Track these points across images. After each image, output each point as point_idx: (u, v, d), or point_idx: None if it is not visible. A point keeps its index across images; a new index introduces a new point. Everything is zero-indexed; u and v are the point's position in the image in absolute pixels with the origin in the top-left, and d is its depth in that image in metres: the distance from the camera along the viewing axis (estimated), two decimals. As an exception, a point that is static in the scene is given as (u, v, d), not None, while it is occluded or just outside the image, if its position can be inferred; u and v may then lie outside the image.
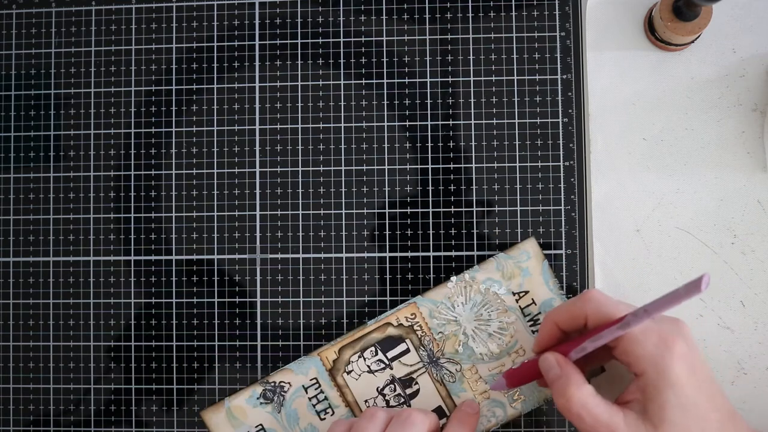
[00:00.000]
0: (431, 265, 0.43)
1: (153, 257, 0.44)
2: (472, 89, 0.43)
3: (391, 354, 0.42)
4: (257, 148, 0.44)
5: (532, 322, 0.41)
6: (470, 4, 0.43)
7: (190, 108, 0.44)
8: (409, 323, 0.42)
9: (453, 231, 0.43)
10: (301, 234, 0.43)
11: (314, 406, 0.41)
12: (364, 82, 0.44)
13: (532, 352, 0.41)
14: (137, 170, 0.44)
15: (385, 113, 0.43)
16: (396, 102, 0.43)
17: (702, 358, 0.34)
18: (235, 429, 0.41)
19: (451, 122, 0.43)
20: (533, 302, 0.41)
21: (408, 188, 0.43)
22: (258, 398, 0.42)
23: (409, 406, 0.41)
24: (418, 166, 0.43)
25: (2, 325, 0.44)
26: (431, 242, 0.43)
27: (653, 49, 0.42)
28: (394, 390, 0.41)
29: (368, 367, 0.42)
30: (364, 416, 0.37)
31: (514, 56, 0.43)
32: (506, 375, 0.39)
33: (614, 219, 0.42)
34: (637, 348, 0.34)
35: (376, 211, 0.43)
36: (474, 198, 0.43)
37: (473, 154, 0.43)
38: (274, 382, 0.42)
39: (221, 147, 0.44)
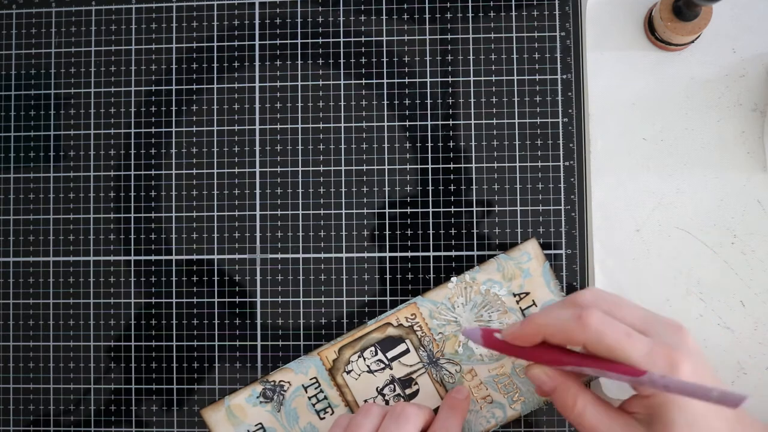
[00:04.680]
0: (431, 265, 0.43)
1: (153, 257, 0.44)
2: (472, 89, 0.43)
3: (390, 354, 0.42)
4: (257, 148, 0.44)
5: (532, 322, 0.41)
6: (470, 4, 0.43)
7: (190, 108, 0.44)
8: (409, 323, 0.42)
9: (453, 231, 0.43)
10: (301, 234, 0.43)
11: (314, 405, 0.41)
12: (364, 82, 0.44)
13: (506, 335, 0.37)
14: (137, 170, 0.44)
15: (385, 113, 0.43)
16: (396, 102, 0.43)
17: (705, 364, 0.34)
18: (234, 428, 0.41)
19: (451, 122, 0.43)
20: (534, 304, 0.41)
21: (408, 188, 0.43)
22: (258, 397, 0.42)
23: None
24: (418, 166, 0.43)
25: (2, 325, 0.44)
26: (431, 242, 0.43)
27: (653, 49, 0.42)
28: (394, 390, 0.41)
29: (368, 367, 0.42)
30: (360, 412, 0.38)
31: (514, 56, 0.43)
32: (484, 335, 0.37)
33: (614, 219, 0.42)
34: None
35: (376, 211, 0.43)
36: (474, 198, 0.43)
37: (473, 154, 0.43)
38: (274, 381, 0.42)
39: (221, 147, 0.44)
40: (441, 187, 0.43)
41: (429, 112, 0.43)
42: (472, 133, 0.43)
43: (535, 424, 0.42)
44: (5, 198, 0.45)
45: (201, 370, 0.43)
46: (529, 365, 0.36)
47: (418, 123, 0.43)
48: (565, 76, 0.43)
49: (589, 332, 0.33)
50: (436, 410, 0.41)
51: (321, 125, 0.44)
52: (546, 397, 0.40)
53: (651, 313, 0.35)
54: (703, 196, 0.42)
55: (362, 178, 0.43)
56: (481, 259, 0.42)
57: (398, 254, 0.43)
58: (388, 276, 0.43)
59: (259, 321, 0.43)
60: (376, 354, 0.42)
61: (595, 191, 0.42)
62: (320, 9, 0.44)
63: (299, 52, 0.44)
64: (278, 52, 0.44)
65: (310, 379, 0.42)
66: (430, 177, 0.43)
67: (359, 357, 0.42)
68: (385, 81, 0.44)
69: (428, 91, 0.43)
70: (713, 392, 0.29)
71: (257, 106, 0.44)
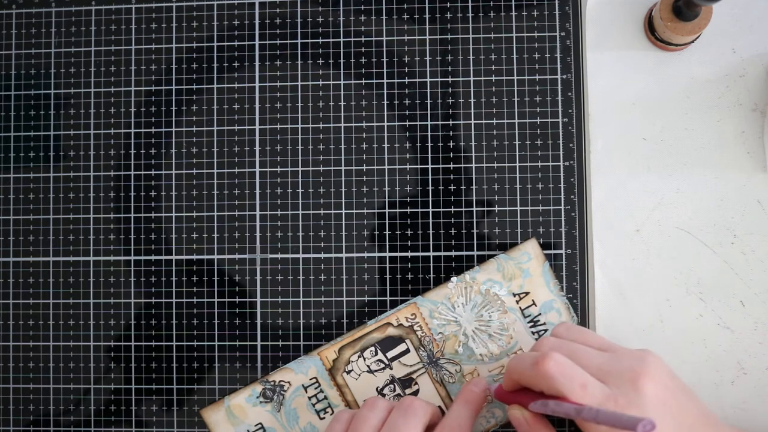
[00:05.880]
0: (431, 265, 0.43)
1: (153, 257, 0.44)
2: (472, 89, 0.43)
3: (390, 354, 0.42)
4: (257, 148, 0.44)
5: (532, 324, 0.41)
6: (470, 4, 0.43)
7: (190, 108, 0.44)
8: (409, 323, 0.42)
9: (453, 231, 0.43)
10: (301, 234, 0.43)
11: (314, 405, 0.41)
12: (364, 82, 0.44)
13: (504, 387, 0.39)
14: (137, 170, 0.44)
15: (385, 113, 0.43)
16: (396, 102, 0.43)
17: (665, 413, 0.34)
18: (234, 428, 0.42)
19: (451, 122, 0.43)
20: (533, 303, 0.41)
21: (408, 188, 0.43)
22: (258, 397, 0.42)
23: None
24: (418, 166, 0.43)
25: (2, 325, 0.44)
26: (431, 242, 0.43)
27: (653, 49, 0.42)
28: (394, 390, 0.41)
29: (368, 366, 0.42)
30: (366, 405, 0.37)
31: (514, 56, 0.43)
32: (497, 389, 0.39)
33: (614, 219, 0.42)
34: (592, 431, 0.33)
35: (376, 211, 0.43)
36: (474, 198, 0.43)
37: (473, 154, 0.43)
38: (274, 381, 0.42)
39: (221, 147, 0.44)
40: (441, 187, 0.43)
41: (429, 112, 0.43)
42: (472, 133, 0.43)
43: (535, 424, 0.42)
44: (5, 198, 0.45)
45: (201, 370, 0.43)
46: (511, 406, 0.37)
47: (418, 123, 0.43)
48: (565, 76, 0.43)
49: (544, 379, 0.34)
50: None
51: (321, 125, 0.44)
52: None
53: (613, 358, 0.35)
54: (703, 196, 0.42)
55: (362, 178, 0.43)
56: (481, 259, 0.42)
57: (398, 254, 0.43)
58: (388, 276, 0.43)
59: (259, 321, 0.43)
60: (376, 354, 0.42)
61: (595, 191, 0.42)
62: (320, 9, 0.44)
63: (299, 52, 0.44)
64: (278, 52, 0.44)
65: (310, 379, 0.42)
66: (430, 177, 0.43)
67: (359, 357, 0.42)
68: (385, 81, 0.44)
69: (428, 91, 0.43)
70: (627, 417, 0.29)
71: (257, 106, 0.44)
